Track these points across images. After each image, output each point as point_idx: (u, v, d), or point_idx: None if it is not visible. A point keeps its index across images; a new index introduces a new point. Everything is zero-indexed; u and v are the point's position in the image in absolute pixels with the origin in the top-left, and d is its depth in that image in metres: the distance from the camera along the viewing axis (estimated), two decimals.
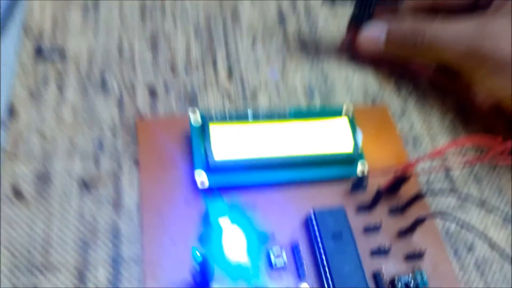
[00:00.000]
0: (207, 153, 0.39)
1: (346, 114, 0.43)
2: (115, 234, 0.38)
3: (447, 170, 0.46)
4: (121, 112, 0.45)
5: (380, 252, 0.39)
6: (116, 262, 0.37)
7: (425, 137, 0.48)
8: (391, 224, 0.41)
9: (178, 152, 0.42)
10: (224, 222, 0.37)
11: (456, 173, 0.46)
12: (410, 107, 0.50)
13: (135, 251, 0.38)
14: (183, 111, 0.46)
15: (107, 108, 0.45)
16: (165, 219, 0.39)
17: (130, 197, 0.40)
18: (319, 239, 0.38)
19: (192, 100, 0.47)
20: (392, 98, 0.51)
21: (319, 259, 0.37)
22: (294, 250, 0.38)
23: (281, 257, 0.37)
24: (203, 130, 0.40)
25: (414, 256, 0.39)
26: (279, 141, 0.41)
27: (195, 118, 0.41)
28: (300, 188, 0.42)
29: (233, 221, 0.38)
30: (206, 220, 0.38)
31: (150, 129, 0.43)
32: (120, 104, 0.45)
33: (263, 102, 0.48)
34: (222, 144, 0.39)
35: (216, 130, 0.40)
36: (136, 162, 0.42)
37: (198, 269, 0.31)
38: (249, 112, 0.42)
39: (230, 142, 0.40)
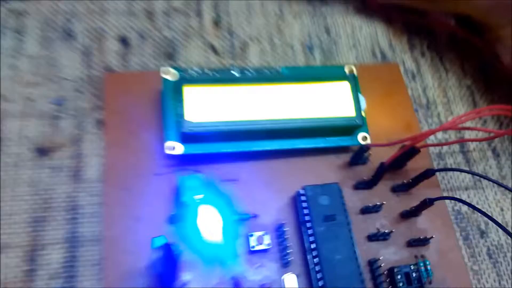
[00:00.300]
0: (179, 115, 0.33)
1: (349, 77, 0.36)
2: (73, 210, 0.33)
3: (463, 143, 0.40)
4: (87, 66, 0.39)
5: (378, 236, 0.34)
6: (72, 243, 0.32)
7: (439, 103, 0.42)
8: (394, 205, 0.36)
9: (149, 114, 0.36)
10: (199, 199, 0.32)
11: (472, 146, 0.40)
12: (424, 68, 0.43)
13: (95, 231, 0.33)
14: (159, 66, 0.39)
15: (71, 60, 0.39)
16: (131, 194, 0.33)
17: (91, 167, 0.35)
18: (308, 221, 0.32)
19: (170, 55, 0.40)
20: (403, 57, 0.44)
21: (307, 244, 0.32)
22: (279, 233, 0.33)
23: (263, 241, 0.32)
24: (177, 91, 0.33)
25: (418, 242, 0.34)
26: (267, 105, 0.34)
27: (168, 77, 0.35)
28: (289, 160, 0.36)
29: (208, 198, 0.32)
30: (177, 197, 0.33)
31: (120, 85, 0.37)
32: (87, 56, 0.39)
33: (253, 59, 0.41)
34: (198, 107, 0.33)
35: (191, 92, 0.33)
36: (101, 124, 0.36)
37: (158, 258, 0.26)
38: (235, 71, 0.35)
39: (208, 105, 0.33)
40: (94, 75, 0.38)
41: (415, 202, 0.35)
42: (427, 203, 0.33)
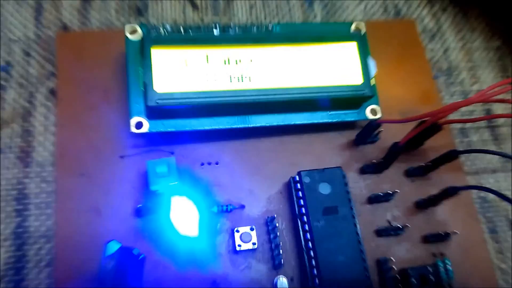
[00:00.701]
0: (147, 85, 0.26)
1: (356, 37, 0.29)
2: (23, 200, 0.27)
3: (490, 120, 0.33)
4: (39, 23, 0.32)
5: (389, 231, 0.28)
6: (20, 238, 0.27)
7: (462, 68, 0.35)
8: (408, 192, 0.30)
9: (112, 83, 0.30)
10: (171, 188, 0.26)
11: (501, 120, 0.34)
12: (445, 26, 0.36)
13: (46, 224, 0.27)
14: (124, 24, 0.33)
15: (20, 17, 0.32)
16: (89, 181, 0.27)
17: (44, 147, 0.29)
18: (304, 214, 0.26)
19: (139, 10, 0.33)
20: (421, 13, 0.36)
21: (303, 242, 0.26)
22: (269, 228, 0.27)
23: (250, 239, 0.27)
24: (144, 54, 0.27)
25: (437, 238, 0.28)
26: (254, 72, 0.28)
27: (134, 37, 0.28)
28: (281, 140, 0.30)
29: (182, 187, 0.26)
30: (146, 185, 0.27)
31: (75, 47, 0.30)
32: (38, 12, 0.32)
33: (241, 16, 0.34)
34: (170, 74, 0.27)
35: (161, 56, 0.27)
36: (53, 94, 0.30)
37: (109, 269, 0.21)
38: (216, 29, 0.29)
39: (182, 71, 0.27)
40: (48, 35, 0.32)
41: (433, 190, 0.29)
42: (448, 193, 0.27)
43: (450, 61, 0.35)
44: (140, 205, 0.27)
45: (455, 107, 0.26)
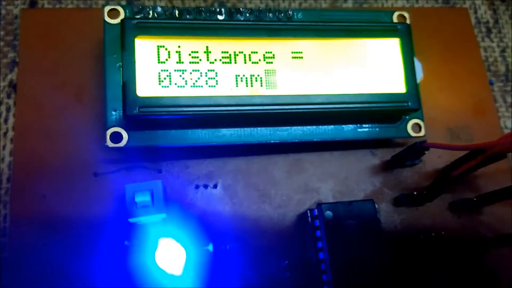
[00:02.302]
0: (126, 85, 0.20)
1: (399, 30, 0.23)
2: None
3: None
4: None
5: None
6: None
7: None
8: (453, 232, 0.24)
9: (86, 76, 0.23)
10: (154, 230, 0.20)
11: None
12: (504, 19, 0.29)
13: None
14: (107, 1, 0.26)
15: None
16: (53, 203, 0.21)
17: (2, 157, 0.23)
18: (323, 260, 0.21)
19: None
20: (475, 1, 0.30)
21: None
22: (277, 276, 0.22)
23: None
24: (126, 45, 0.20)
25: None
26: (267, 72, 0.21)
27: (114, 22, 0.22)
28: (297, 158, 0.24)
29: (168, 221, 0.20)
30: (124, 210, 0.21)
31: (44, 29, 0.24)
32: None
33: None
34: (157, 73, 0.21)
35: (148, 48, 0.21)
36: (14, 87, 0.24)
37: None
38: (221, 15, 0.22)
39: (173, 70, 0.21)
40: (12, 13, 0.25)
41: (485, 230, 0.23)
42: (505, 241, 0.21)
43: (508, 63, 0.28)
44: (127, 242, 0.21)
45: None
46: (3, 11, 0.25)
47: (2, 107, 0.24)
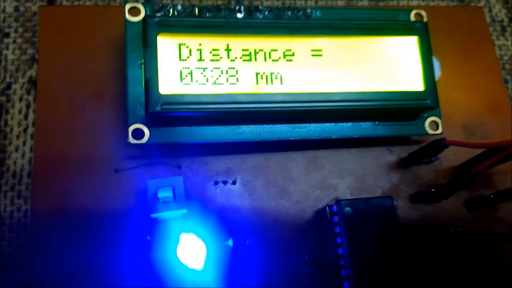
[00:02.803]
0: (149, 83, 0.20)
1: (417, 29, 0.23)
2: None
3: None
4: None
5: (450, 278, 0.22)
6: None
7: None
8: (469, 228, 0.24)
9: (106, 74, 0.24)
10: (176, 225, 0.20)
11: None
12: None
13: (21, 251, 0.22)
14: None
15: None
16: (74, 199, 0.22)
17: (20, 153, 0.23)
18: (343, 256, 0.21)
19: None
20: (490, 0, 0.30)
21: None
22: (296, 272, 0.22)
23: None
24: (147, 43, 0.21)
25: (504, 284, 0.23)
26: (286, 70, 0.22)
27: (135, 19, 0.22)
28: (315, 155, 0.24)
29: (189, 216, 0.21)
30: (145, 206, 0.22)
31: (63, 26, 0.24)
32: None
33: None
34: (179, 70, 0.21)
35: (171, 46, 0.21)
36: (35, 86, 0.24)
37: None
38: (240, 12, 0.23)
39: (194, 67, 0.21)
40: (30, 10, 0.25)
41: (501, 226, 0.23)
42: None
43: None
44: (149, 237, 0.21)
45: None
46: (21, 8, 0.25)
47: (22, 103, 0.24)
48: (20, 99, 0.24)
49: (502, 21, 0.29)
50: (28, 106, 0.24)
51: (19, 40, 0.25)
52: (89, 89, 0.23)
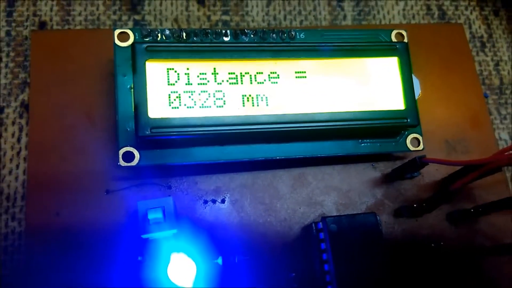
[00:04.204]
0: (138, 107, 0.21)
1: (398, 50, 0.24)
2: None
3: None
4: (11, 19, 0.26)
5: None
6: None
7: None
8: (451, 242, 0.25)
9: (97, 96, 0.24)
10: (166, 245, 0.21)
11: None
12: (498, 33, 0.31)
13: (16, 274, 0.22)
14: (116, 22, 0.27)
15: None
16: (67, 220, 0.22)
17: (13, 176, 0.24)
18: (328, 272, 0.22)
19: (133, 4, 0.28)
20: (470, 16, 0.31)
21: None
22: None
23: None
24: (136, 68, 0.21)
25: None
26: (272, 92, 0.22)
27: (125, 44, 0.23)
28: (301, 172, 0.25)
29: (179, 235, 0.21)
30: (136, 225, 0.22)
31: (54, 51, 0.25)
32: (11, 5, 0.26)
33: (256, 14, 0.29)
34: (167, 94, 0.21)
35: (157, 71, 0.21)
36: (27, 109, 0.24)
37: None
38: (226, 35, 0.23)
39: (182, 91, 0.22)
40: (22, 34, 0.26)
41: (483, 239, 0.24)
42: (503, 250, 0.22)
43: (502, 76, 0.29)
44: (140, 257, 0.22)
45: None
46: (13, 33, 0.26)
47: (15, 127, 0.24)
48: (13, 123, 0.24)
49: (481, 37, 0.30)
50: (21, 130, 0.24)
51: (11, 65, 0.25)
52: (80, 111, 0.24)
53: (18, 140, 0.24)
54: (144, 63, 0.21)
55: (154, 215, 0.21)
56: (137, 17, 0.27)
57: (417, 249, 0.24)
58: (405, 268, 0.23)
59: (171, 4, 0.28)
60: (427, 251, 0.24)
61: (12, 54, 0.26)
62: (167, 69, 0.22)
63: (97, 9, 0.27)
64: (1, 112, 0.24)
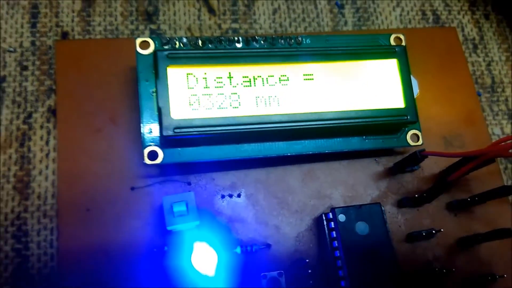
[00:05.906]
0: (161, 110, 0.23)
1: (397, 52, 0.26)
2: (20, 238, 0.24)
3: None
4: (35, 30, 0.28)
5: (431, 274, 0.25)
6: (19, 283, 0.24)
7: (507, 84, 0.32)
8: (451, 229, 0.27)
9: (119, 99, 0.26)
10: (189, 236, 0.23)
11: None
12: (489, 36, 0.33)
13: (49, 266, 0.24)
14: (133, 31, 0.29)
15: (13, 23, 0.28)
16: (96, 216, 0.24)
17: (43, 176, 0.25)
18: (339, 257, 0.23)
19: (148, 14, 0.29)
20: (462, 20, 0.33)
21: None
22: (300, 273, 0.24)
23: (279, 284, 0.24)
24: (158, 74, 0.23)
25: (482, 282, 0.25)
26: (282, 93, 0.24)
27: (146, 52, 0.24)
28: (311, 168, 0.27)
29: (201, 227, 0.23)
30: (160, 219, 0.24)
31: (77, 57, 0.27)
32: (34, 17, 0.28)
33: (262, 22, 0.31)
34: (188, 97, 0.23)
35: (178, 76, 0.23)
36: (54, 113, 0.26)
37: None
38: (239, 42, 0.25)
39: (201, 94, 0.23)
40: (46, 44, 0.28)
41: (479, 226, 0.26)
42: (498, 234, 0.24)
43: (493, 76, 0.32)
44: (166, 248, 0.23)
45: None
46: (37, 43, 0.28)
47: (43, 131, 0.26)
48: (41, 127, 0.26)
49: (474, 39, 0.32)
50: (48, 133, 0.26)
51: (37, 73, 0.27)
52: (105, 115, 0.26)
53: (47, 142, 0.26)
54: (166, 69, 0.23)
55: (179, 208, 0.22)
56: (153, 26, 0.29)
57: (419, 236, 0.26)
58: (408, 251, 0.25)
59: (184, 14, 0.30)
60: (427, 236, 0.25)
61: (37, 62, 0.27)
62: (187, 74, 0.24)
63: (116, 20, 0.29)
64: (30, 117, 0.26)
